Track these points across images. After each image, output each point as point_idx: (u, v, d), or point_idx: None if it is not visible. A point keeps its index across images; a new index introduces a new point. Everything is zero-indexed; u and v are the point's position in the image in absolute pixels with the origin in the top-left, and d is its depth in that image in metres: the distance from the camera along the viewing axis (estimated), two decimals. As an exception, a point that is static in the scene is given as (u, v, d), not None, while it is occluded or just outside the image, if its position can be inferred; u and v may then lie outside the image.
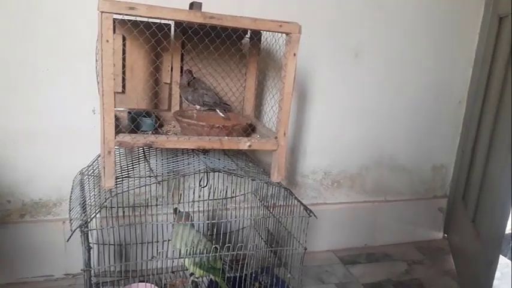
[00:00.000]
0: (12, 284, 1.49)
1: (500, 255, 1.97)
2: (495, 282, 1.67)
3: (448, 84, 1.96)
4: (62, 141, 1.48)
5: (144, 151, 1.38)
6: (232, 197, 1.62)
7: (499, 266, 1.75)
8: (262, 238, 1.54)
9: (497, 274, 1.76)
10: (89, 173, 1.40)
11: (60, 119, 1.46)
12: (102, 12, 0.95)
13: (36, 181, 1.49)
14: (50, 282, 1.54)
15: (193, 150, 1.30)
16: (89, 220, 1.05)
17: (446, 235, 2.14)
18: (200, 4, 1.15)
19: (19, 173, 1.46)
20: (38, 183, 1.49)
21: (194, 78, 1.33)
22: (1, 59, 1.36)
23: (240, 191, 1.64)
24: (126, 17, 1.00)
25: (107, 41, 0.97)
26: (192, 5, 1.16)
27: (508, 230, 2.03)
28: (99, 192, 1.28)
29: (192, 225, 1.28)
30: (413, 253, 2.00)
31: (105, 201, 1.04)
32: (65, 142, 1.48)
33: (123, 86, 1.33)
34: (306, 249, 1.28)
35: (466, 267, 1.72)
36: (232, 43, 1.26)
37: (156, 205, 1.59)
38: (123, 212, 1.50)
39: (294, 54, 1.12)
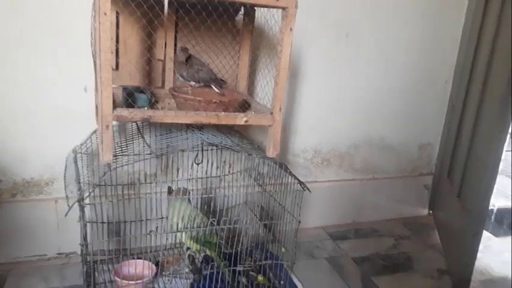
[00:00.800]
0: (5, 264, 1.48)
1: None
2: (479, 255, 1.74)
3: (435, 65, 2.00)
4: (53, 120, 1.47)
5: (138, 128, 1.38)
6: (227, 174, 1.63)
7: (482, 239, 1.83)
8: (255, 215, 1.57)
9: (481, 247, 1.84)
10: (82, 151, 1.40)
11: (52, 98, 1.44)
12: (99, -17, 0.94)
13: (27, 160, 1.47)
14: (43, 262, 1.54)
15: (188, 126, 1.31)
16: (87, 194, 1.06)
17: (431, 211, 2.21)
18: (196, -22, 1.15)
19: (10, 153, 1.45)
20: (30, 163, 1.48)
21: (190, 55, 1.33)
22: (-11, 36, 1.33)
23: (234, 168, 1.66)
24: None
25: (105, 13, 0.96)
26: (187, -21, 1.15)
27: (490, 206, 2.12)
28: (97, 168, 1.28)
29: (189, 200, 1.29)
30: (400, 229, 2.06)
31: (104, 175, 1.05)
32: (56, 121, 1.47)
33: (117, 63, 1.32)
34: (300, 222, 1.31)
35: (452, 241, 1.78)
36: (226, 19, 1.26)
37: (151, 183, 1.60)
38: (117, 190, 1.50)
39: (291, 29, 1.13)
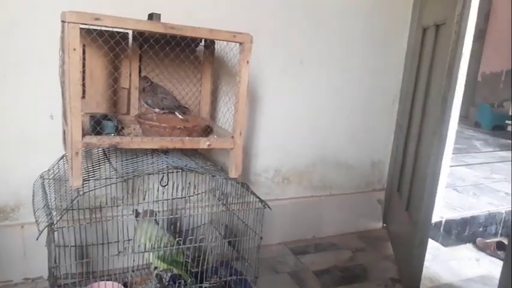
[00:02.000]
0: (-31, 292, 1.49)
1: (432, 240, 2.23)
2: (428, 264, 1.89)
3: (383, 87, 2.18)
4: (19, 146, 1.50)
5: (104, 153, 1.44)
6: (192, 195, 1.70)
7: (431, 249, 1.99)
8: (220, 234, 1.64)
9: (430, 256, 1.99)
10: (50, 176, 1.44)
11: (17, 124, 1.48)
12: (69, 22, 1.02)
13: (-8, 187, 1.49)
14: (9, 287, 1.55)
15: (153, 151, 1.38)
16: (58, 219, 1.11)
17: (385, 224, 2.36)
18: (159, 15, 1.25)
19: (-25, 180, 1.46)
20: (-5, 189, 1.50)
21: (152, 83, 1.41)
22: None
23: (198, 189, 1.74)
24: (84, 27, 1.07)
25: (74, 49, 1.04)
26: (151, 16, 1.25)
27: (438, 218, 2.29)
28: (65, 193, 1.33)
29: (156, 221, 1.35)
30: (356, 242, 2.19)
31: (75, 199, 1.10)
32: (22, 147, 1.50)
33: (83, 91, 1.39)
34: (261, 238, 1.40)
35: (402, 251, 1.92)
36: (188, 52, 1.36)
37: (117, 206, 1.65)
38: (84, 214, 1.55)
39: (247, 62, 1.25)
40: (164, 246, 1.31)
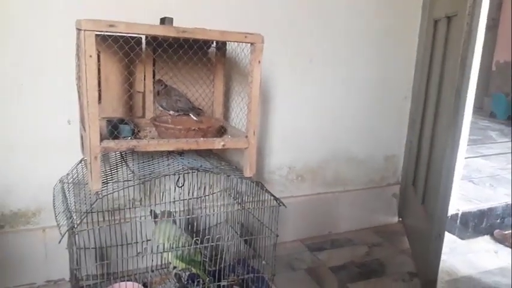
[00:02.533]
0: (-5, 294, 1.53)
1: (449, 233, 2.22)
2: (445, 257, 1.88)
3: (394, 83, 2.17)
4: (38, 152, 1.53)
5: (122, 156, 1.46)
6: (207, 195, 1.73)
7: (447, 242, 1.97)
8: (236, 232, 1.66)
9: (447, 249, 1.98)
10: (69, 180, 1.47)
11: (37, 130, 1.52)
12: (85, 30, 1.04)
13: (14, 192, 1.53)
14: (33, 290, 1.59)
15: (169, 152, 1.41)
16: (78, 222, 1.13)
17: (400, 219, 2.35)
18: (171, 19, 1.26)
19: (-3, 186, 1.51)
20: (17, 194, 1.53)
21: (166, 86, 1.43)
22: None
23: (214, 189, 1.76)
24: (99, 33, 1.09)
25: (90, 56, 1.06)
26: (163, 20, 1.27)
27: (455, 211, 2.27)
28: (84, 197, 1.36)
29: (174, 222, 1.38)
30: (372, 237, 2.19)
31: (94, 203, 1.13)
32: (41, 153, 1.54)
33: (99, 97, 1.41)
34: (277, 235, 1.41)
35: (419, 245, 1.92)
36: (201, 55, 1.38)
37: (134, 208, 1.68)
38: (103, 216, 1.58)
39: (259, 62, 1.26)
40: (182, 246, 1.33)
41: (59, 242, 1.12)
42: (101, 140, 1.15)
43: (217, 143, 1.28)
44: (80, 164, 1.47)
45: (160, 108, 1.41)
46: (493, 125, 5.05)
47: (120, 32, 1.09)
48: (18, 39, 1.44)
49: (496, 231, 2.32)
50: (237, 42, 1.27)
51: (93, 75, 1.08)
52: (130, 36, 1.25)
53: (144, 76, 1.46)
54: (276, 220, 1.40)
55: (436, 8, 1.93)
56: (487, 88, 5.93)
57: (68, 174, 1.47)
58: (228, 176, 1.33)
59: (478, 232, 2.34)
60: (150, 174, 1.23)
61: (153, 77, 1.47)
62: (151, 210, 1.54)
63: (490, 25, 5.08)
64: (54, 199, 1.40)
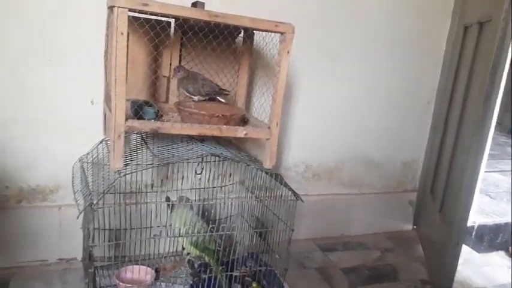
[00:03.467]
0: (8, 268, 1.53)
1: (464, 245, 2.17)
2: (460, 268, 1.84)
3: (418, 87, 2.14)
4: (60, 130, 1.54)
5: (143, 138, 1.46)
6: (225, 185, 1.72)
7: (463, 253, 1.93)
8: (251, 227, 1.65)
9: (461, 260, 1.94)
10: (88, 160, 1.48)
11: (60, 108, 1.52)
12: (118, 7, 1.04)
13: (34, 168, 1.54)
14: (44, 267, 1.59)
15: (190, 138, 1.40)
16: (98, 199, 1.13)
17: (415, 226, 2.31)
18: (203, 4, 1.26)
19: (18, 160, 1.51)
20: (36, 170, 1.54)
21: (188, 72, 1.42)
22: (5, 49, 1.42)
23: (231, 179, 1.75)
24: (130, 14, 1.09)
25: (122, 33, 1.06)
26: (195, 4, 1.26)
27: (471, 223, 2.23)
28: (102, 178, 1.36)
29: (191, 207, 1.37)
30: (385, 242, 2.16)
31: (115, 181, 1.13)
32: (62, 131, 1.54)
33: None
34: (293, 230, 1.40)
35: (434, 252, 1.88)
36: (230, 41, 1.37)
37: (151, 192, 1.67)
38: (119, 198, 1.58)
39: (288, 52, 1.25)
40: (197, 232, 1.32)
41: (77, 217, 1.13)
42: (126, 119, 1.14)
43: (240, 132, 1.27)
44: (101, 145, 1.48)
45: (185, 93, 1.40)
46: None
47: (152, 12, 1.09)
48: (50, 14, 1.44)
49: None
50: (267, 31, 1.25)
51: (123, 53, 1.07)
52: (159, 20, 1.24)
53: (171, 61, 1.45)
54: (292, 214, 1.38)
55: (467, 14, 1.90)
56: (508, 104, 5.82)
57: (88, 153, 1.48)
58: (248, 165, 1.32)
59: (493, 246, 2.29)
60: (172, 157, 1.22)
61: (179, 62, 1.47)
62: (166, 196, 1.53)
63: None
64: (73, 177, 1.40)
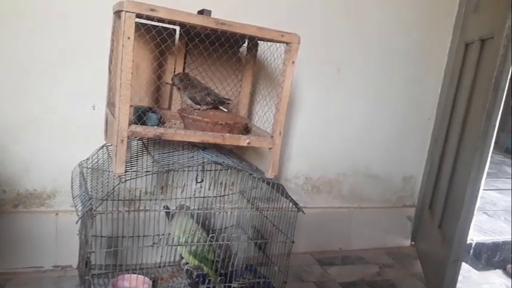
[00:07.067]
0: (2, 274, 1.50)
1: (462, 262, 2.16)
2: (459, 285, 1.82)
3: (419, 103, 2.15)
4: (60, 134, 1.53)
5: (144, 145, 1.45)
6: (226, 195, 1.70)
7: (461, 270, 1.92)
8: (250, 238, 1.63)
9: (460, 277, 1.93)
10: (88, 165, 1.46)
11: (61, 113, 1.51)
12: (126, 11, 1.04)
13: (32, 172, 1.52)
14: (39, 274, 1.56)
15: (192, 146, 1.39)
16: (98, 205, 1.12)
17: (413, 242, 2.30)
18: (210, 11, 1.26)
19: (16, 163, 1.50)
20: (34, 174, 1.53)
21: (189, 79, 1.42)
22: (10, 52, 1.42)
23: (231, 189, 1.74)
24: (136, 20, 1.09)
25: (128, 37, 1.06)
26: (202, 12, 1.27)
27: (468, 240, 2.22)
28: (102, 184, 1.34)
29: (191, 215, 1.35)
30: (384, 257, 2.14)
31: (116, 186, 1.11)
32: (63, 135, 1.53)
33: (128, 84, 1.41)
34: (293, 242, 1.38)
35: (433, 269, 1.87)
36: (232, 50, 1.38)
37: (150, 200, 1.66)
38: (118, 205, 1.56)
39: (293, 62, 1.25)
40: (197, 241, 1.30)
41: (76, 222, 1.11)
42: (128, 124, 1.14)
43: (243, 140, 1.27)
44: (101, 150, 1.46)
45: (189, 101, 1.40)
46: (508, 161, 4.98)
47: (160, 17, 1.09)
48: (58, 21, 1.45)
49: (509, 266, 2.26)
50: (273, 41, 1.26)
51: (129, 58, 1.07)
52: (164, 27, 1.25)
53: (175, 69, 1.45)
54: (292, 226, 1.37)
55: (468, 31, 1.92)
56: (504, 123, 5.86)
57: (87, 159, 1.46)
58: (250, 174, 1.31)
59: (490, 265, 2.28)
60: (173, 164, 1.21)
61: (183, 70, 1.47)
62: (165, 205, 1.52)
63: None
64: (72, 182, 1.39)
